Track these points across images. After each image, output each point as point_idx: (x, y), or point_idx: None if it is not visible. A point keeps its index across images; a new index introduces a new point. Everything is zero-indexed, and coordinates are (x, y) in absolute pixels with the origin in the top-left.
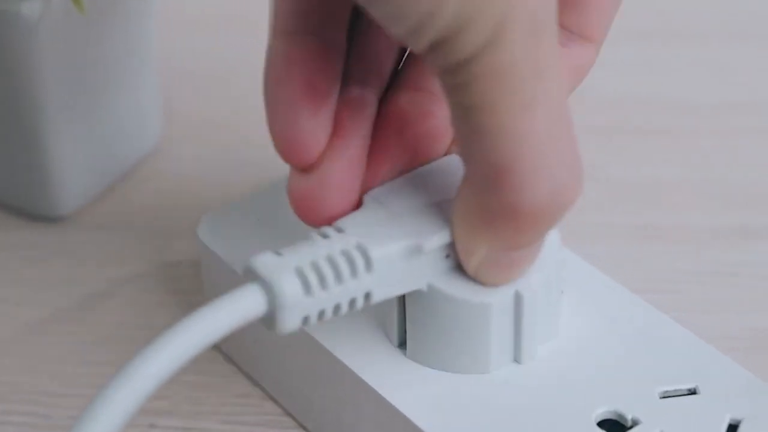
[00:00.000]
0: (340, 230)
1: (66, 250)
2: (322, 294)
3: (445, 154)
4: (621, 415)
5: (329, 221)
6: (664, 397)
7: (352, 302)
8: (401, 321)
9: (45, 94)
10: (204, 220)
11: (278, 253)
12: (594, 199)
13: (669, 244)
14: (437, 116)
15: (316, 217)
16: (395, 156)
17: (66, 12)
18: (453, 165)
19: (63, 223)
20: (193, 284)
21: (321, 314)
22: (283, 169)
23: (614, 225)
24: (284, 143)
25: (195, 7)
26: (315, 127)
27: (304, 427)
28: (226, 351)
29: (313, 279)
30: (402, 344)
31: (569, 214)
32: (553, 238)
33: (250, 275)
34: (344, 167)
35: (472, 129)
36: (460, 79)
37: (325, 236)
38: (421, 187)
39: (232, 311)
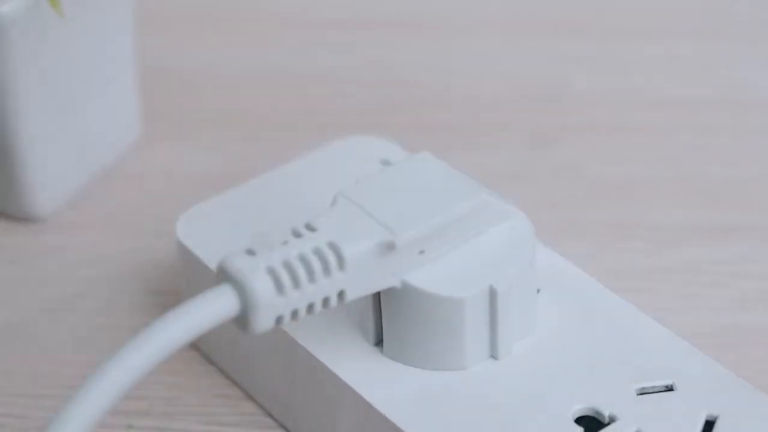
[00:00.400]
0: (312, 229)
1: (44, 250)
2: (295, 293)
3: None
4: (598, 412)
5: None
6: (641, 394)
7: (326, 301)
8: (377, 318)
9: (21, 95)
10: (182, 219)
11: (250, 253)
12: (571, 196)
13: (646, 241)
14: None
15: None
16: None
17: (42, 12)
18: (425, 162)
19: (41, 223)
20: (172, 285)
21: (294, 314)
22: (263, 168)
23: (591, 222)
24: None
25: (174, 6)
26: None
27: (283, 427)
28: (204, 350)
29: (285, 278)
30: (379, 342)
31: (546, 211)
32: (527, 233)
33: (223, 275)
34: None
35: None
36: None
37: (297, 235)
38: (394, 185)
39: (205, 312)
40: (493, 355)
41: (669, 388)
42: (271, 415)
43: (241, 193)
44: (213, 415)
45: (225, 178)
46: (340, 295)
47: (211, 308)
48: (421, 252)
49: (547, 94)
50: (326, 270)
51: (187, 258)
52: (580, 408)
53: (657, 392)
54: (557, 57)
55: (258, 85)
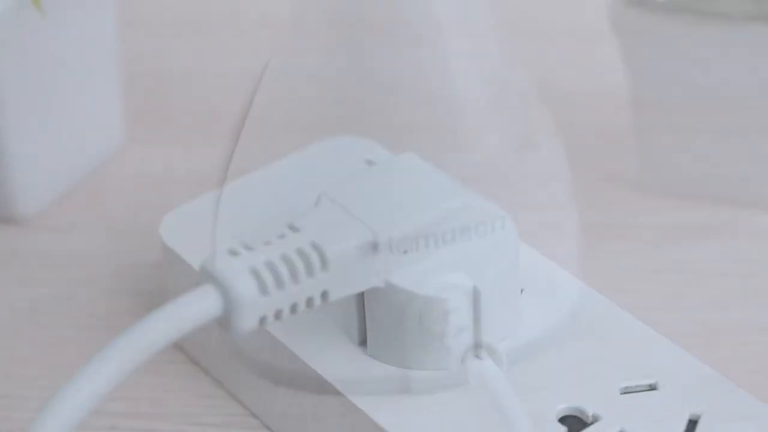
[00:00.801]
0: (295, 229)
1: (27, 251)
2: (278, 293)
3: None
4: (582, 411)
5: None
6: (625, 393)
7: (309, 301)
8: (361, 318)
9: (4, 94)
10: (166, 220)
11: (233, 253)
12: (557, 197)
13: (629, 241)
14: None
15: None
16: None
17: (25, 13)
18: (409, 163)
19: (25, 224)
20: (156, 285)
21: (278, 314)
22: (247, 168)
23: (577, 223)
24: None
25: (162, 7)
26: None
27: (268, 428)
28: (189, 352)
29: (268, 279)
30: (362, 342)
31: (533, 212)
32: (511, 233)
33: (206, 275)
34: None
35: None
36: None
37: (281, 235)
38: (378, 185)
39: (188, 313)
40: (477, 355)
41: (652, 387)
42: (255, 416)
43: (225, 194)
44: (198, 416)
45: (210, 180)
46: (324, 295)
47: (194, 308)
48: (405, 252)
49: (534, 94)
50: (309, 270)
51: (171, 259)
52: (563, 407)
53: (640, 391)
54: (544, 57)
55: (244, 87)
